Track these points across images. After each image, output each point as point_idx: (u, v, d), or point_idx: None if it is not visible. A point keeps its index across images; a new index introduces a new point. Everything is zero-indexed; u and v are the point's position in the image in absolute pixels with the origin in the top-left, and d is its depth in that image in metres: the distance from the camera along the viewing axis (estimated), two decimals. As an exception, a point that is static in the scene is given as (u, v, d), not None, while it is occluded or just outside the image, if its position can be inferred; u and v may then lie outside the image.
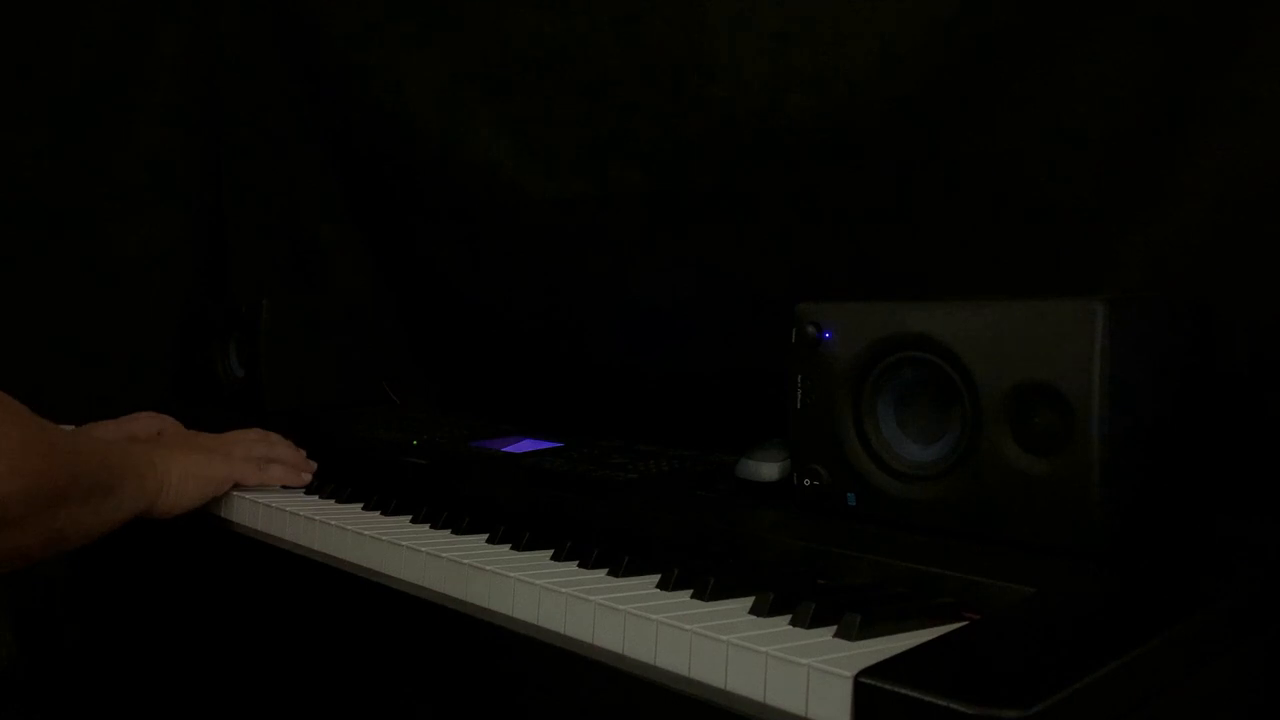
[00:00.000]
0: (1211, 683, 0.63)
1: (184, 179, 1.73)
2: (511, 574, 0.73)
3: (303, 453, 1.15)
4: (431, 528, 0.89)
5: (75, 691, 1.39)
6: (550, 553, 0.79)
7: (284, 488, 1.09)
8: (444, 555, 0.79)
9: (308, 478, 1.10)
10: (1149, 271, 0.94)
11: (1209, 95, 0.89)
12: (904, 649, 0.55)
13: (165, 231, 1.71)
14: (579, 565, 0.75)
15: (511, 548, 0.81)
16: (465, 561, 0.77)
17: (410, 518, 0.93)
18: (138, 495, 0.94)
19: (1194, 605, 0.63)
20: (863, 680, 0.51)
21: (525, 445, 1.18)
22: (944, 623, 0.62)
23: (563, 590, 0.68)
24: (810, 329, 0.85)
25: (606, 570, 0.74)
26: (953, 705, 0.47)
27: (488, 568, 0.75)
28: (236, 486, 1.07)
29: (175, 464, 1.00)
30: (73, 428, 1.22)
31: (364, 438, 1.31)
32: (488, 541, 0.84)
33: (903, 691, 0.49)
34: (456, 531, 0.87)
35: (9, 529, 0.76)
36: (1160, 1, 0.91)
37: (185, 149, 1.73)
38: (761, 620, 0.62)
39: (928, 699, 0.48)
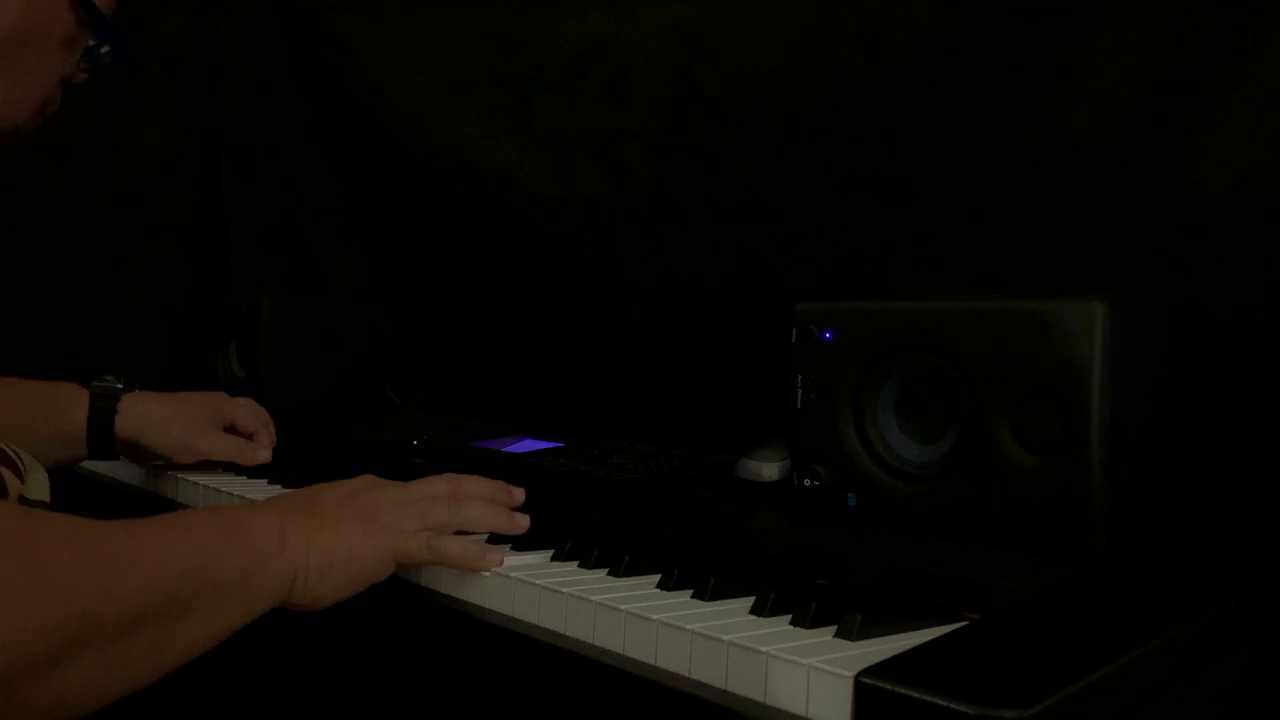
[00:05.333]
0: (1211, 683, 0.63)
1: (184, 179, 1.73)
2: (512, 574, 0.73)
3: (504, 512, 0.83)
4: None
5: None
6: (550, 553, 0.79)
7: None
8: (444, 555, 0.79)
9: (496, 559, 0.76)
10: (1149, 272, 0.94)
11: (1210, 95, 0.89)
12: (904, 649, 0.55)
13: (165, 231, 1.71)
14: (579, 565, 0.75)
15: (511, 548, 0.81)
16: (465, 561, 0.77)
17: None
18: (252, 595, 0.67)
19: (1194, 605, 0.63)
20: (863, 680, 0.51)
21: (525, 445, 1.18)
22: (944, 623, 0.62)
23: (563, 590, 0.68)
24: (810, 329, 0.85)
25: (606, 570, 0.74)
26: (953, 705, 0.47)
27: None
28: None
29: (318, 541, 0.71)
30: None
31: (364, 438, 1.31)
32: (488, 542, 0.83)
33: (903, 691, 0.49)
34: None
35: None
36: (1163, 1, 0.91)
37: (185, 149, 1.73)
38: (762, 620, 0.62)
39: (928, 699, 0.48)
